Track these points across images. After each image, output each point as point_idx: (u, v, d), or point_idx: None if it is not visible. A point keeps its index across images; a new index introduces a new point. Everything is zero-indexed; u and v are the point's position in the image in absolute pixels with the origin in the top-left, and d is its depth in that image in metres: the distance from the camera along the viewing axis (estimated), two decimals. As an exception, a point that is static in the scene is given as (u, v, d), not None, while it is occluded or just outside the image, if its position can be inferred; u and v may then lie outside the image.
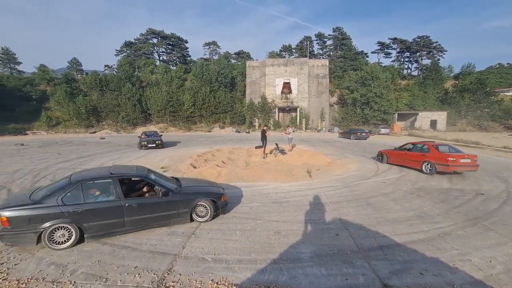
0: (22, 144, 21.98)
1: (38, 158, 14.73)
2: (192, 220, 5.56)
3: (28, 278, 3.68)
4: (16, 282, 3.58)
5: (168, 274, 3.79)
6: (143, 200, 5.23)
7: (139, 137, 20.89)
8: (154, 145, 18.25)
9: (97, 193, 4.93)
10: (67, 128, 40.13)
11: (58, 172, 10.80)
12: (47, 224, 4.36)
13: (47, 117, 40.51)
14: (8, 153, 16.74)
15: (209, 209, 5.62)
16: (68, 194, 4.62)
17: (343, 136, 29.50)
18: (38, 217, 4.35)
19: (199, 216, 5.62)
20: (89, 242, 4.71)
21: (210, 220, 5.65)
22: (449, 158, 9.60)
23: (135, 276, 3.73)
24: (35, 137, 32.76)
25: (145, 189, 5.87)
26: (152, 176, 5.64)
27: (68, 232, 4.52)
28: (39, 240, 4.37)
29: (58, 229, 4.47)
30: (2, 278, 3.67)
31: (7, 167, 12.02)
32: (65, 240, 4.51)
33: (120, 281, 3.63)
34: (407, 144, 12.10)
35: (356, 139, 26.23)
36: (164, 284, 3.56)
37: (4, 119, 37.90)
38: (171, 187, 5.58)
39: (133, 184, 6.01)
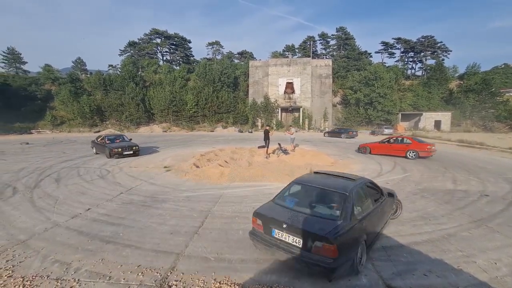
0: (27, 143, 22.20)
1: (43, 156, 14.87)
2: None
3: (32, 276, 3.71)
4: (21, 280, 3.62)
5: (171, 273, 3.81)
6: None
7: (96, 141, 15.70)
8: (131, 152, 14.40)
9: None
10: (71, 127, 40.45)
11: (63, 171, 10.90)
12: None
13: (52, 116, 40.89)
14: (13, 152, 16.92)
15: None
16: None
17: (330, 136, 29.74)
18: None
19: None
20: (93, 241, 4.75)
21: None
22: (428, 146, 13.67)
23: (138, 274, 3.75)
24: (40, 136, 33.08)
25: None
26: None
27: None
28: None
29: None
30: (8, 276, 3.71)
31: (12, 165, 12.15)
32: None
33: (124, 279, 3.65)
34: (387, 138, 15.67)
35: (348, 137, 27.55)
36: (167, 283, 3.57)
37: (9, 118, 38.31)
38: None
39: None
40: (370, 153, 15.28)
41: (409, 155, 13.69)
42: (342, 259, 3.37)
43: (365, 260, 3.98)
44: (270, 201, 4.57)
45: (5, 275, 3.72)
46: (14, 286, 3.47)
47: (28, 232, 5.15)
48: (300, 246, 3.53)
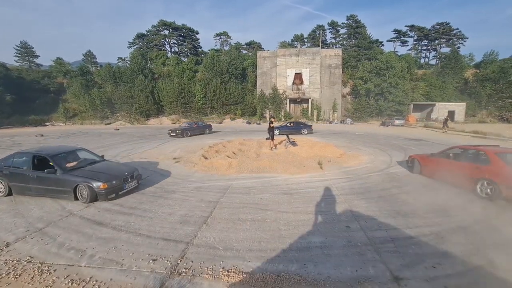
0: (42, 135, 22.90)
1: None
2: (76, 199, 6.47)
3: (50, 262, 3.90)
4: (40, 265, 3.80)
5: (180, 261, 3.92)
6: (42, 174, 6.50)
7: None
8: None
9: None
10: (83, 119, 41.44)
11: (76, 162, 11.20)
12: None
13: (65, 109, 41.92)
14: (28, 144, 17.50)
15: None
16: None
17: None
18: None
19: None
20: (106, 229, 4.92)
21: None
22: None
23: (149, 262, 3.87)
24: (54, 128, 34.01)
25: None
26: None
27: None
28: None
29: None
30: (27, 261, 3.91)
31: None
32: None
33: (135, 266, 3.78)
34: (448, 149, 8.43)
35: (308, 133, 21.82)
36: (177, 270, 3.68)
37: (24, 110, 39.50)
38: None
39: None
40: (420, 173, 8.80)
41: (480, 190, 6.49)
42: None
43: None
44: None
45: (25, 260, 3.92)
46: (33, 271, 3.66)
47: (44, 221, 5.38)
48: None
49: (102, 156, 8.29)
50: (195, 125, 22.67)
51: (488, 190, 6.30)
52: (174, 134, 20.24)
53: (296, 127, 22.17)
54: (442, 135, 21.59)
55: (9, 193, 6.89)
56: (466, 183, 6.91)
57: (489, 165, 6.51)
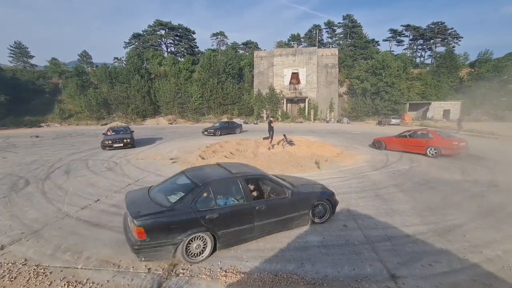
0: (37, 136, 22.68)
1: (53, 149, 15.19)
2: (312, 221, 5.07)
3: (46, 264, 3.86)
4: (35, 267, 3.76)
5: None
6: (272, 202, 4.67)
7: (103, 134, 16.57)
8: (122, 144, 14.59)
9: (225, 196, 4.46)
10: (79, 120, 41.07)
11: (72, 163, 11.12)
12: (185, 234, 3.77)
13: (60, 110, 41.52)
14: (24, 145, 17.33)
15: (327, 208, 5.19)
16: (199, 198, 4.03)
17: (209, 134, 21.49)
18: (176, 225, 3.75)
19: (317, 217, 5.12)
20: (102, 231, 4.87)
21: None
22: (454, 142, 11.49)
23: (146, 263, 3.85)
24: (49, 129, 33.70)
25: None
26: (271, 176, 5.13)
27: (203, 242, 3.98)
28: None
29: (194, 240, 3.89)
30: (22, 263, 3.87)
31: (23, 158, 12.46)
32: (200, 252, 3.95)
33: (133, 267, 3.76)
34: (404, 132, 13.68)
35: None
36: (174, 271, 3.67)
37: (19, 111, 39.05)
38: (290, 187, 4.94)
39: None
40: (385, 148, 13.51)
41: (429, 152, 11.63)
42: (148, 241, 3.55)
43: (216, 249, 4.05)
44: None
45: (20, 263, 3.88)
46: (28, 274, 3.62)
47: (40, 222, 5.32)
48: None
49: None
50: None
51: (434, 152, 11.57)
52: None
53: (232, 127, 23.75)
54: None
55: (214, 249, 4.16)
56: (420, 150, 12.13)
57: (433, 138, 11.89)
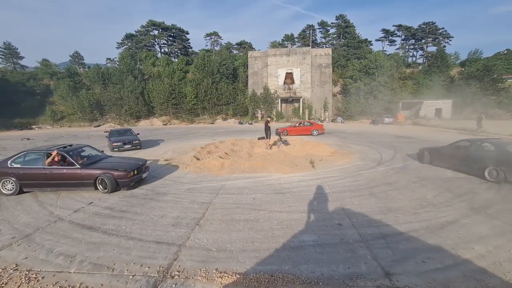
0: (28, 139, 22.25)
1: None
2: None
3: (37, 269, 3.79)
4: (27, 273, 3.69)
5: (173, 263, 3.87)
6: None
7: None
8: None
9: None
10: (71, 122, 40.49)
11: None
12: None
13: (52, 111, 40.83)
14: (14, 148, 16.97)
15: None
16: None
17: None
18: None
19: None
20: (96, 234, 4.82)
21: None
22: (323, 127, 21.24)
23: (141, 265, 3.82)
24: (41, 131, 33.11)
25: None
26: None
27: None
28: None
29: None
30: (13, 269, 3.79)
31: (14, 161, 12.19)
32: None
33: (127, 270, 3.72)
34: (297, 123, 21.98)
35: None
36: (169, 273, 3.64)
37: (9, 114, 38.27)
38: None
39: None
40: (288, 134, 19.59)
41: (314, 132, 20.35)
42: None
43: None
44: None
45: (11, 268, 3.80)
46: (20, 279, 3.55)
47: (32, 227, 5.23)
48: None
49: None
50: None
51: (316, 132, 20.76)
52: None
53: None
54: (430, 132, 22.02)
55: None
56: (308, 132, 20.71)
57: (313, 126, 21.45)
